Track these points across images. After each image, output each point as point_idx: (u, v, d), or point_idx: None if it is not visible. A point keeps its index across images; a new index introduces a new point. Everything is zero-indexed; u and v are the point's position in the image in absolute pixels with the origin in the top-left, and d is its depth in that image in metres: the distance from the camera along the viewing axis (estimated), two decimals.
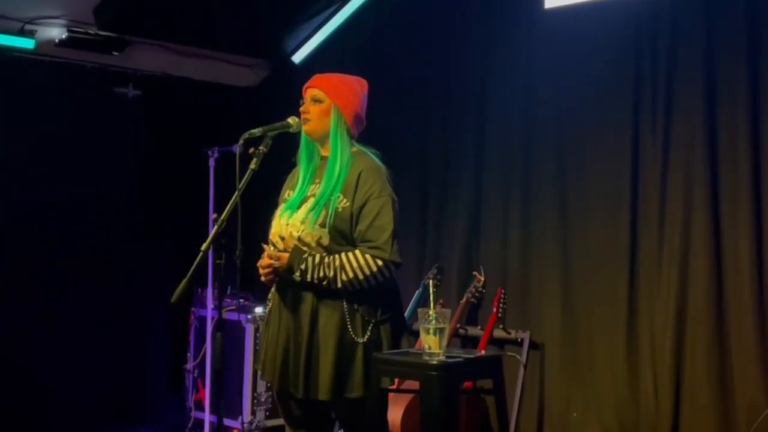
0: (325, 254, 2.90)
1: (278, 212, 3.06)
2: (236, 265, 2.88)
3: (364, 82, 3.14)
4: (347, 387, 2.89)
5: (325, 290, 2.90)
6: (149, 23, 5.12)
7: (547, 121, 4.60)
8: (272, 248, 2.99)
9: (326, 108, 3.01)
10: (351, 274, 2.87)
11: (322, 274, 2.87)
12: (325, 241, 2.91)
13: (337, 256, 2.89)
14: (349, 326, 2.90)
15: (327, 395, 2.87)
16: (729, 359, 3.91)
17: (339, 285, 2.88)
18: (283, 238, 2.96)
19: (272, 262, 2.93)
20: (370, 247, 2.90)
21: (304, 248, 2.92)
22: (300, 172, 3.09)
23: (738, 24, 3.95)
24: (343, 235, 2.92)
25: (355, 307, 2.92)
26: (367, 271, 2.88)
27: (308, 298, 2.93)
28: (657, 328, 4.12)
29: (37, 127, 5.16)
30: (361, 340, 2.90)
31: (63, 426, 5.14)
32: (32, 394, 5.08)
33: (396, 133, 5.13)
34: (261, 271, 2.97)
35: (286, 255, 2.91)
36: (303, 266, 2.87)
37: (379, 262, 2.89)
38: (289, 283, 2.96)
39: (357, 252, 2.90)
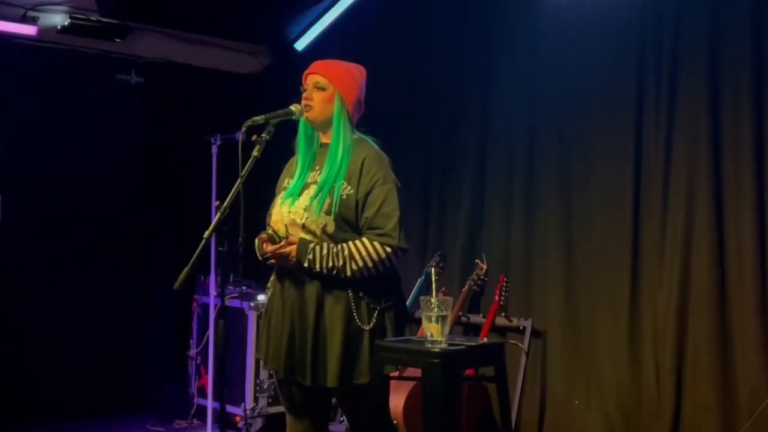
0: (331, 243, 2.90)
1: (278, 200, 3.05)
2: (239, 252, 2.89)
3: (363, 69, 3.14)
4: (355, 374, 2.90)
5: (330, 278, 2.90)
6: (152, 10, 5.11)
7: (551, 110, 4.59)
8: (271, 232, 2.99)
9: (329, 95, 3.00)
10: (361, 263, 2.87)
11: (331, 264, 2.87)
12: (331, 228, 2.91)
13: (344, 245, 2.89)
14: (354, 314, 2.91)
15: (335, 382, 2.88)
16: (731, 348, 3.91)
17: (349, 274, 2.88)
18: (281, 238, 2.95)
19: (279, 251, 2.91)
20: (378, 234, 2.90)
21: (309, 236, 2.92)
22: (299, 160, 3.08)
23: (743, 11, 3.93)
24: (347, 222, 2.92)
25: (361, 294, 2.92)
26: (377, 258, 2.88)
27: (313, 286, 2.93)
28: (659, 316, 4.12)
29: (39, 114, 5.17)
30: (367, 327, 2.91)
31: (67, 411, 5.17)
32: (36, 380, 5.10)
33: (399, 121, 5.13)
34: (271, 258, 2.95)
35: (294, 247, 2.90)
36: (311, 256, 2.87)
37: (388, 249, 2.89)
38: (292, 272, 2.96)
39: (365, 240, 2.90)
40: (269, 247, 2.94)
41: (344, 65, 3.09)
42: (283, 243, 2.93)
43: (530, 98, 4.69)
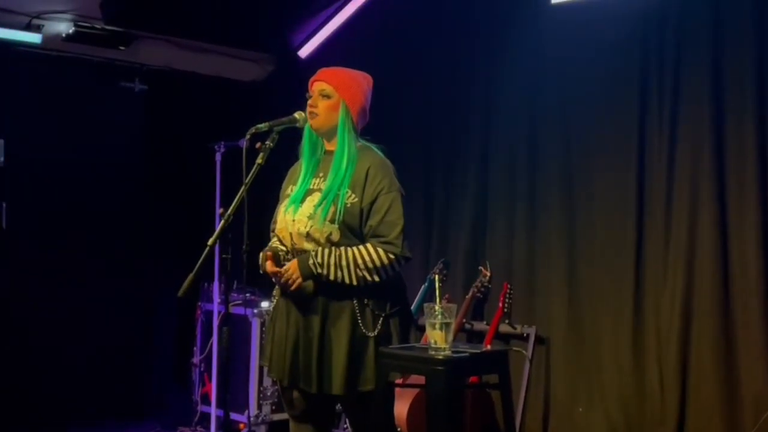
0: (334, 248, 2.90)
1: (282, 208, 3.05)
2: (243, 259, 2.89)
3: (369, 77, 3.14)
4: (360, 381, 2.90)
5: (334, 286, 2.90)
6: (155, 18, 5.13)
7: (553, 116, 4.60)
8: (276, 245, 3.00)
9: (335, 103, 3.00)
10: (363, 268, 2.87)
11: (334, 260, 2.86)
12: (336, 237, 2.91)
13: (348, 248, 2.89)
14: (359, 321, 2.91)
15: (340, 390, 2.88)
16: (735, 354, 3.91)
17: (354, 280, 2.88)
18: (289, 250, 2.96)
19: (285, 275, 2.91)
20: (381, 242, 2.90)
21: (312, 244, 2.92)
22: (302, 166, 3.08)
23: (745, 17, 3.94)
24: (352, 230, 2.92)
25: (365, 301, 2.92)
26: (379, 265, 2.88)
27: (317, 293, 2.92)
28: (663, 323, 4.12)
29: (43, 122, 5.18)
30: (372, 334, 2.91)
31: (68, 413, 5.16)
32: (39, 386, 5.10)
33: (402, 128, 5.13)
34: (284, 281, 2.94)
35: (294, 265, 2.90)
36: (313, 253, 2.87)
37: (391, 256, 2.89)
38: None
39: (369, 246, 2.90)
40: (270, 268, 2.95)
41: (350, 73, 3.09)
42: (281, 270, 2.92)
43: (533, 103, 4.70)
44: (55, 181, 5.22)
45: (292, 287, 2.92)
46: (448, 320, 2.78)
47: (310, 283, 2.92)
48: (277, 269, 2.93)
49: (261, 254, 3.01)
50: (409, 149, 5.06)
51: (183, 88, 5.67)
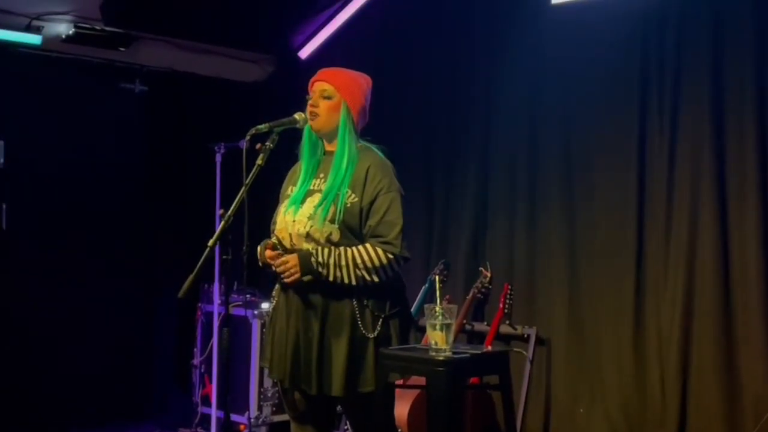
0: (333, 248, 2.90)
1: (282, 208, 3.05)
2: (243, 260, 2.89)
3: (369, 78, 3.14)
4: (359, 382, 2.90)
5: (334, 286, 2.90)
6: (156, 19, 5.13)
7: (554, 116, 4.60)
8: (275, 240, 3.00)
9: (336, 104, 3.00)
10: (363, 268, 2.87)
11: (333, 260, 2.86)
12: (336, 237, 2.91)
13: (348, 248, 2.89)
14: (359, 322, 2.91)
15: (340, 391, 2.88)
16: (736, 355, 3.91)
17: (353, 279, 2.88)
18: (285, 248, 2.96)
19: (284, 266, 2.91)
20: (380, 242, 2.90)
21: (312, 245, 2.92)
22: (302, 166, 3.08)
23: (745, 17, 3.94)
24: (352, 230, 2.93)
25: (365, 302, 2.92)
26: (378, 265, 2.88)
27: (317, 294, 2.93)
28: (664, 324, 4.12)
29: (43, 123, 5.18)
30: (372, 336, 2.91)
31: (70, 419, 5.16)
32: (39, 386, 5.09)
33: (403, 129, 5.13)
34: (282, 270, 2.94)
35: (295, 258, 2.90)
36: (315, 251, 2.87)
37: (390, 256, 2.89)
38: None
39: (368, 246, 2.90)
40: (269, 253, 2.95)
41: (351, 74, 3.09)
42: (280, 254, 2.92)
43: (533, 103, 4.70)
44: (55, 182, 5.22)
45: (289, 280, 2.91)
46: (448, 321, 2.78)
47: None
48: (277, 252, 2.93)
49: (259, 246, 3.01)
50: (409, 149, 5.06)
51: (183, 89, 5.67)
